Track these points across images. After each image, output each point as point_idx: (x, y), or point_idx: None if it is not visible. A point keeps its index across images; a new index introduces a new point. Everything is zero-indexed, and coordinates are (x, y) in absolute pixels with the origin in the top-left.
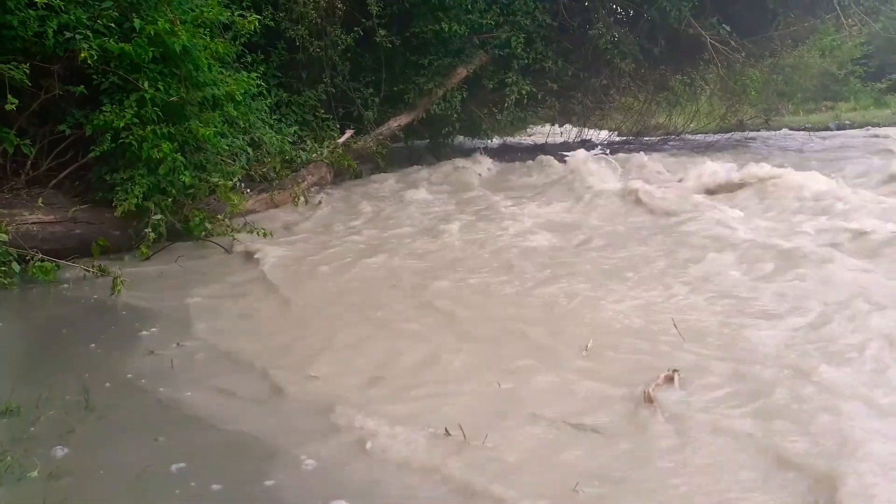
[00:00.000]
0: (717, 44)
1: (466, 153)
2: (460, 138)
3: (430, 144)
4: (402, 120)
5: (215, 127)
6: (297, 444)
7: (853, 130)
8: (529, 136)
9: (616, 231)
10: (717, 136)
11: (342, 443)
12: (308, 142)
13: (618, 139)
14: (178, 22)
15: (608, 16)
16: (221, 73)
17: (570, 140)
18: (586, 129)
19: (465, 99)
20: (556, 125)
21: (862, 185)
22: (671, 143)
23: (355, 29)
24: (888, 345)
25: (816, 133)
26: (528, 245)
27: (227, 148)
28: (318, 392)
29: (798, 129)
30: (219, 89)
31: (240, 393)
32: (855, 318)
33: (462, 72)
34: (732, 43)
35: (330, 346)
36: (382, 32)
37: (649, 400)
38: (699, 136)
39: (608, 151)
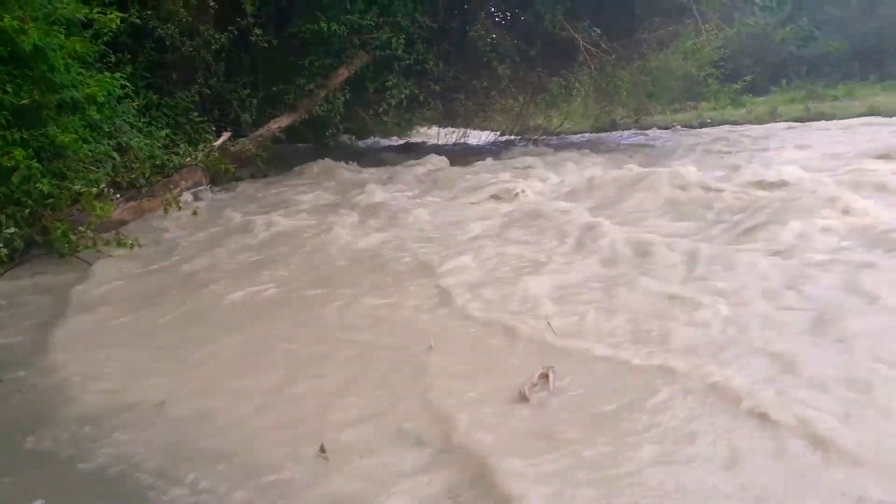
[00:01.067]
0: (589, 46)
1: (355, 155)
2: (347, 139)
3: (314, 146)
4: (283, 121)
5: (76, 132)
6: None
7: (712, 128)
8: (410, 138)
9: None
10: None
11: None
12: (181, 145)
13: (501, 139)
14: (29, 19)
15: (487, 18)
16: (81, 74)
17: (455, 141)
18: (470, 130)
19: (348, 100)
20: (441, 127)
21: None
22: (551, 143)
23: (230, 28)
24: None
25: (687, 130)
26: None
27: (89, 154)
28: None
29: (665, 128)
30: (79, 91)
31: None
32: None
33: (344, 72)
34: (603, 45)
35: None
36: (258, 32)
37: (525, 399)
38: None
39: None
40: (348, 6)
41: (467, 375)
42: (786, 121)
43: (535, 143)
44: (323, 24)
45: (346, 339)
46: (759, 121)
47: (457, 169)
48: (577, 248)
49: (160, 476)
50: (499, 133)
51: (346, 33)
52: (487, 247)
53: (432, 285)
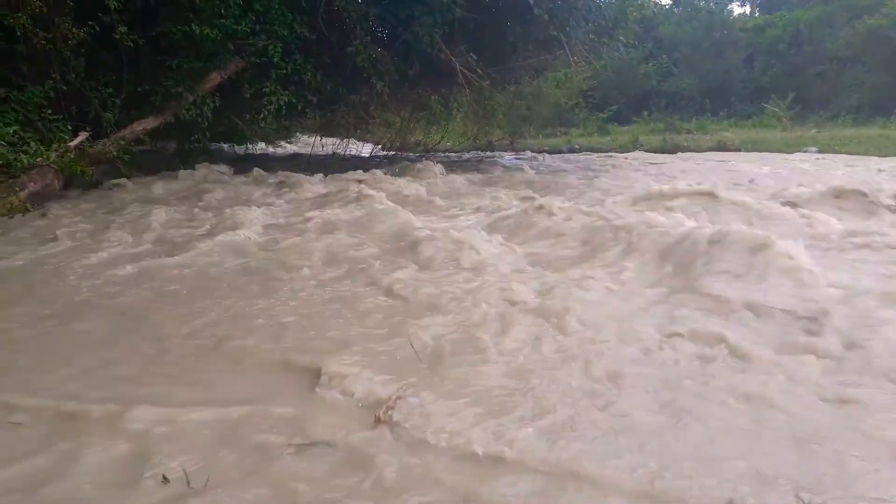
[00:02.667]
0: (465, 70)
1: (226, 160)
2: (218, 144)
3: (178, 150)
4: (148, 124)
5: None
6: None
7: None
8: (291, 145)
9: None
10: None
11: None
12: (32, 144)
13: (381, 153)
14: None
15: (366, 34)
16: None
17: (340, 152)
18: (351, 142)
19: (218, 106)
20: (322, 137)
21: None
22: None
23: (90, 23)
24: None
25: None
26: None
27: None
28: None
29: (538, 151)
30: None
31: None
32: None
33: (216, 77)
34: (479, 71)
35: None
36: (123, 30)
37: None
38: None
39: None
40: (223, 10)
41: None
42: (646, 150)
43: (420, 158)
44: (195, 27)
45: None
46: (622, 148)
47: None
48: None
49: None
50: (380, 146)
51: (219, 37)
52: None
53: None
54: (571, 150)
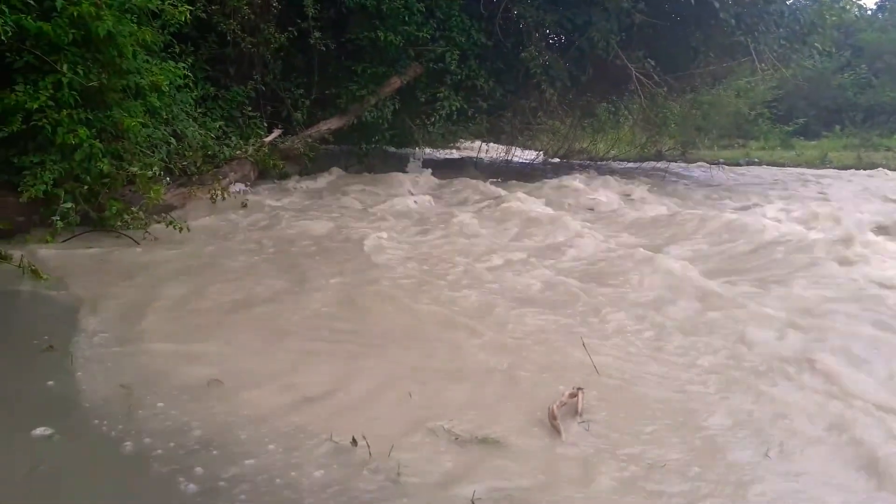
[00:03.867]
0: (641, 77)
1: (398, 161)
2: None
3: (359, 150)
4: (333, 124)
5: (138, 117)
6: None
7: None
8: (459, 149)
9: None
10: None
11: None
12: (233, 138)
13: (541, 160)
14: (104, 5)
15: (540, 40)
16: (147, 61)
17: (499, 157)
18: (514, 148)
19: (397, 109)
20: (485, 142)
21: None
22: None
23: (289, 29)
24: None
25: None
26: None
27: (147, 138)
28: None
29: (713, 163)
30: (143, 78)
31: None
32: None
33: (396, 81)
34: (655, 77)
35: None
36: (317, 35)
37: (553, 417)
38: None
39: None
40: (406, 18)
41: None
42: (835, 168)
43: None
44: (380, 33)
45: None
46: (808, 164)
47: None
48: None
49: None
50: (542, 153)
51: (401, 44)
52: None
53: None
54: (749, 164)
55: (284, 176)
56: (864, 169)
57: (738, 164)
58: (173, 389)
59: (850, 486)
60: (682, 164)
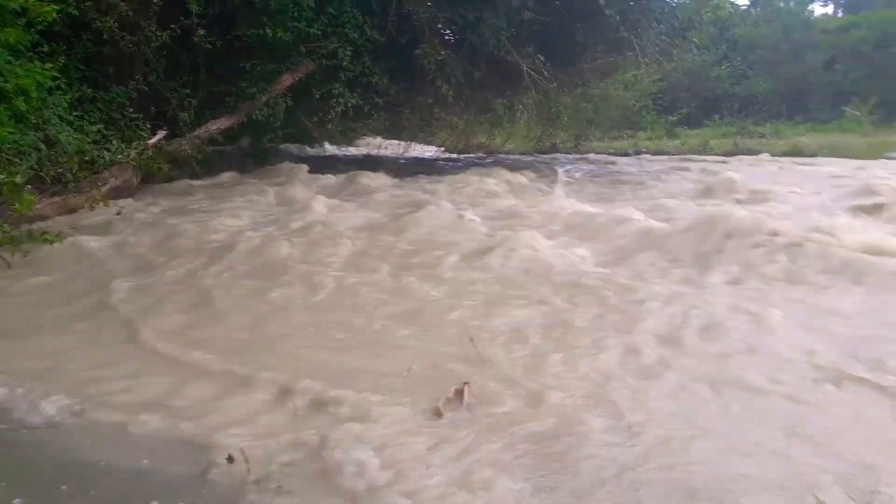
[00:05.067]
0: (532, 72)
1: (293, 160)
2: (287, 145)
3: (251, 150)
4: (223, 124)
5: (2, 123)
6: None
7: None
8: (357, 147)
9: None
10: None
11: None
12: (114, 142)
13: (444, 156)
14: None
15: (434, 37)
16: (10, 62)
17: (399, 154)
18: (414, 144)
19: (290, 107)
20: (386, 138)
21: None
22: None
23: (172, 26)
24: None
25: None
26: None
27: (13, 145)
28: None
29: (603, 153)
30: (7, 81)
31: None
32: None
33: (288, 79)
34: (545, 73)
35: None
36: (202, 32)
37: (438, 414)
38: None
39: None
40: (296, 14)
41: None
42: (716, 154)
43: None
44: (269, 30)
45: None
46: (691, 152)
47: None
48: None
49: None
50: (442, 149)
51: (291, 40)
52: None
53: None
54: (638, 153)
55: (171, 180)
56: (742, 154)
57: (628, 154)
58: None
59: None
60: (576, 155)
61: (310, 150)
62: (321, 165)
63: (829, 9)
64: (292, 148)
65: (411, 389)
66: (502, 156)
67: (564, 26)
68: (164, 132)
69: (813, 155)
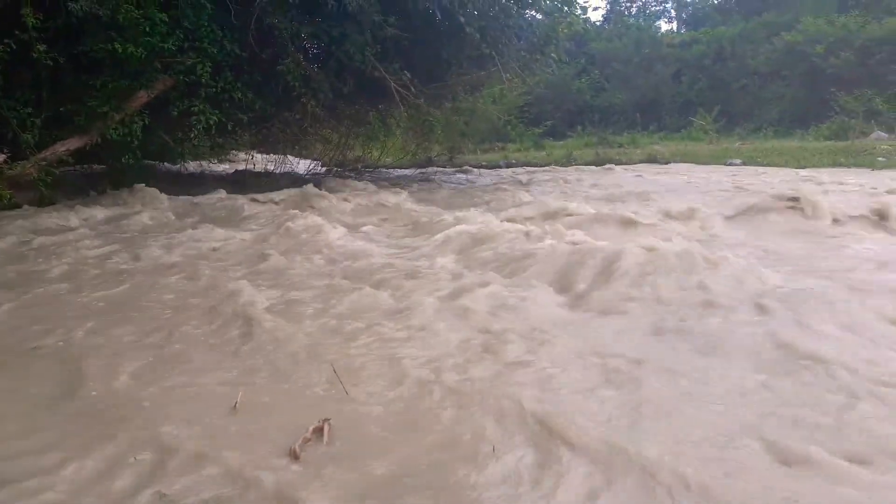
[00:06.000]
0: (399, 88)
1: (154, 179)
2: (156, 163)
3: (108, 171)
4: (72, 144)
5: None
6: None
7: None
8: (230, 162)
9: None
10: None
11: None
12: None
13: (321, 170)
14: None
15: (298, 52)
16: None
17: (273, 169)
18: (289, 158)
19: (148, 125)
20: (261, 153)
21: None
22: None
23: (6, 41)
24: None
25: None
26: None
27: None
28: None
29: (477, 166)
30: None
31: None
32: None
33: (143, 96)
34: (413, 88)
35: None
36: (42, 48)
37: (294, 457)
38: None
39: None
40: (147, 28)
41: None
42: (579, 164)
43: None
44: (118, 45)
45: None
46: (557, 162)
47: None
48: None
49: None
50: (318, 162)
51: (144, 56)
52: None
53: None
54: (508, 165)
55: (14, 206)
56: (603, 163)
57: (499, 167)
58: None
59: None
60: (451, 168)
61: (175, 168)
62: (185, 184)
63: (674, 25)
64: (156, 166)
65: (263, 429)
66: (384, 170)
67: (429, 43)
68: (5, 155)
69: (667, 162)
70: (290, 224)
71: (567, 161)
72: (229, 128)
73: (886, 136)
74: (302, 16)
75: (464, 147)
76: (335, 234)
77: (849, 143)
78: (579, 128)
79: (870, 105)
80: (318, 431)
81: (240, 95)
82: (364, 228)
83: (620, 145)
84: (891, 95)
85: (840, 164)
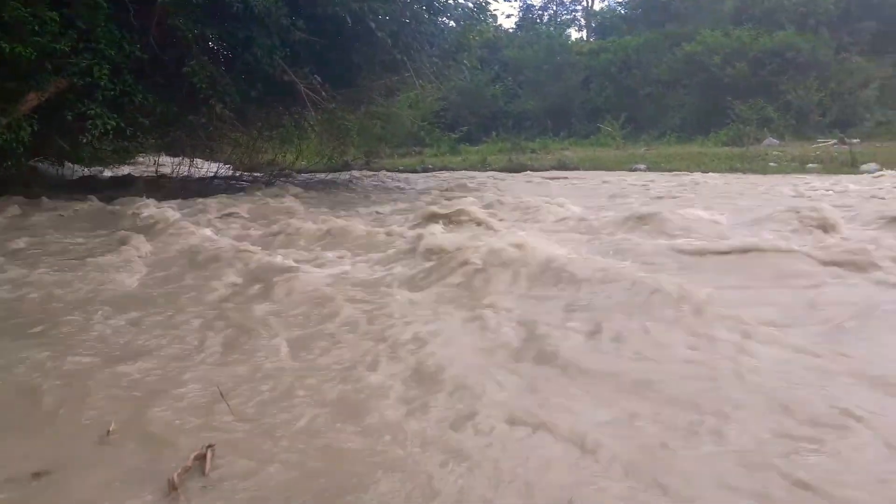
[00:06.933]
0: (310, 91)
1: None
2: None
3: None
4: None
5: None
6: None
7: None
8: (134, 165)
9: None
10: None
11: None
12: None
13: (231, 174)
14: None
15: (204, 54)
16: None
17: (177, 173)
18: (197, 161)
19: (37, 129)
20: (170, 156)
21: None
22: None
23: None
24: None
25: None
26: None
27: None
28: None
29: (394, 171)
30: None
31: None
32: None
33: (33, 98)
34: (324, 93)
35: None
36: None
37: (173, 488)
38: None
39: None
40: (37, 28)
41: None
42: (493, 169)
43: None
44: (4, 45)
45: None
46: (472, 167)
47: None
48: None
49: None
50: (230, 166)
51: (33, 56)
52: None
53: None
54: (425, 170)
55: None
56: (515, 170)
57: (416, 171)
58: None
59: None
60: (369, 172)
61: (72, 172)
62: (77, 189)
63: (584, 33)
64: (51, 171)
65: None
66: (300, 175)
67: (340, 47)
68: None
69: (576, 168)
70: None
71: (482, 166)
72: (129, 132)
73: (778, 142)
74: (207, 17)
75: (381, 151)
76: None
77: (744, 149)
78: (494, 133)
79: (763, 113)
80: (201, 459)
81: (141, 98)
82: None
83: (533, 150)
84: (781, 105)
85: (736, 169)
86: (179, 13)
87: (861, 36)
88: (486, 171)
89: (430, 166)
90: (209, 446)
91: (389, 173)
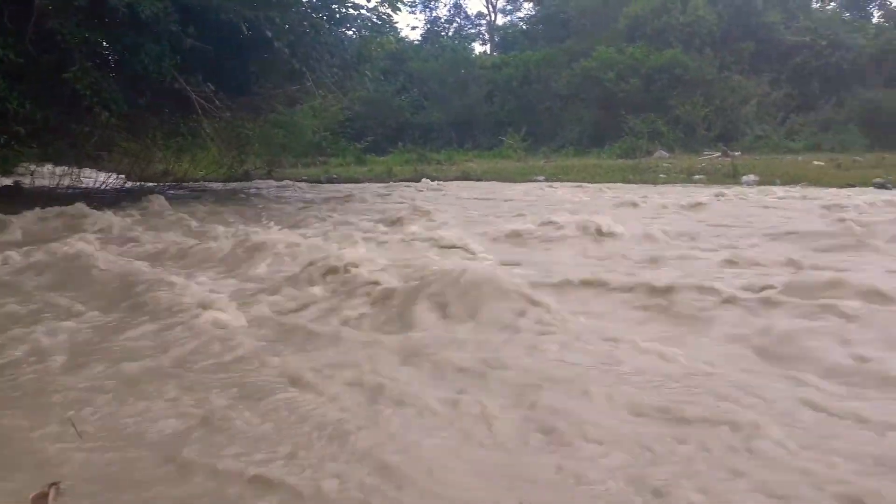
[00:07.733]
0: (201, 100)
1: None
2: None
3: None
4: None
5: None
6: None
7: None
8: (14, 175)
9: None
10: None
11: None
12: None
13: (121, 185)
14: None
15: (87, 59)
16: None
17: (60, 185)
18: (85, 171)
19: None
20: (56, 165)
21: None
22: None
23: None
24: None
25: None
26: None
27: None
28: None
29: (298, 181)
30: None
31: None
32: None
33: None
34: (217, 102)
35: None
36: None
37: None
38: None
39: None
40: None
41: None
42: (399, 180)
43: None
44: None
45: None
46: (377, 178)
47: None
48: None
49: None
50: (123, 175)
51: None
52: None
53: None
54: (329, 180)
55: None
56: (415, 180)
57: (320, 182)
58: None
59: None
60: (274, 183)
61: None
62: None
63: (487, 47)
64: None
65: None
66: (198, 184)
67: (236, 55)
68: None
69: (479, 179)
70: None
71: (387, 177)
72: (1, 140)
73: (668, 154)
74: (90, 21)
75: (284, 161)
76: None
77: (637, 161)
78: (400, 144)
79: (654, 127)
80: (42, 499)
81: (15, 105)
82: None
83: (438, 162)
84: (671, 119)
85: (629, 181)
86: (59, 15)
87: (741, 56)
88: (389, 181)
89: (334, 176)
90: (54, 483)
91: (298, 183)
